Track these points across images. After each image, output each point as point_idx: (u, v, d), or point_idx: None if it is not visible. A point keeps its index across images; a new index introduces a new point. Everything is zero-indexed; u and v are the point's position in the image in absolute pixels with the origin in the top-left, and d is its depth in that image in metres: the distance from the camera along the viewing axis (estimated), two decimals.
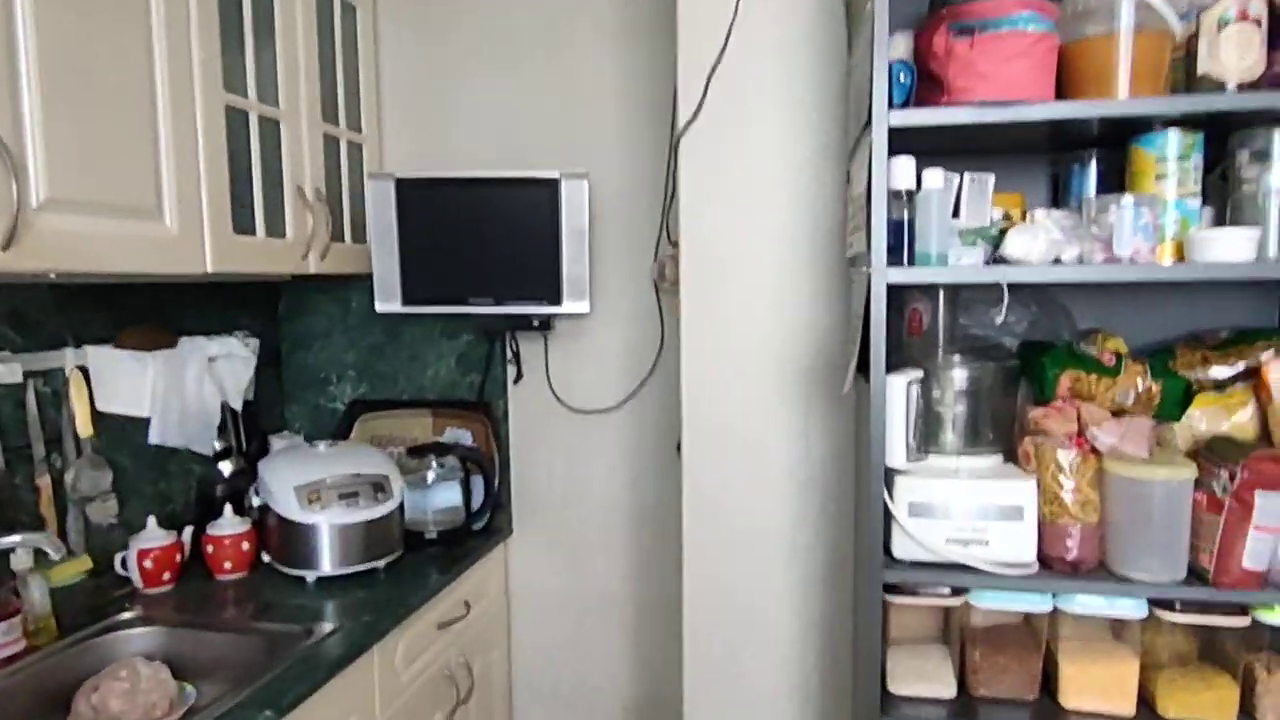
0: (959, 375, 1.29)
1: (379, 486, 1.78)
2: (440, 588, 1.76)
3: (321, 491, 1.72)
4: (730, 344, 1.63)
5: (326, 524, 1.70)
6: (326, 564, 1.71)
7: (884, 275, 1.18)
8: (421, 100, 2.08)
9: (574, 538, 2.11)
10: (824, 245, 1.58)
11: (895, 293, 1.20)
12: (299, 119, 1.78)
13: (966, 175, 1.32)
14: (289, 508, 1.70)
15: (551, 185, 1.86)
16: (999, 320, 1.32)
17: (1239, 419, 1.27)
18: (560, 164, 1.96)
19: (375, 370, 2.15)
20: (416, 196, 1.88)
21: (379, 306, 1.92)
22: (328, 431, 2.15)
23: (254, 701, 1.25)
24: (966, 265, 1.25)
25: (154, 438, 1.57)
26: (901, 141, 1.18)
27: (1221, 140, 1.26)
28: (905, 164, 1.20)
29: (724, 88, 1.58)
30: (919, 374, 1.24)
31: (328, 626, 1.49)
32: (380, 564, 1.78)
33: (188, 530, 1.76)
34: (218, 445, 1.92)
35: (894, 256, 1.19)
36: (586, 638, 2.13)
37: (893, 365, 1.22)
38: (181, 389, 1.63)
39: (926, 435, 1.28)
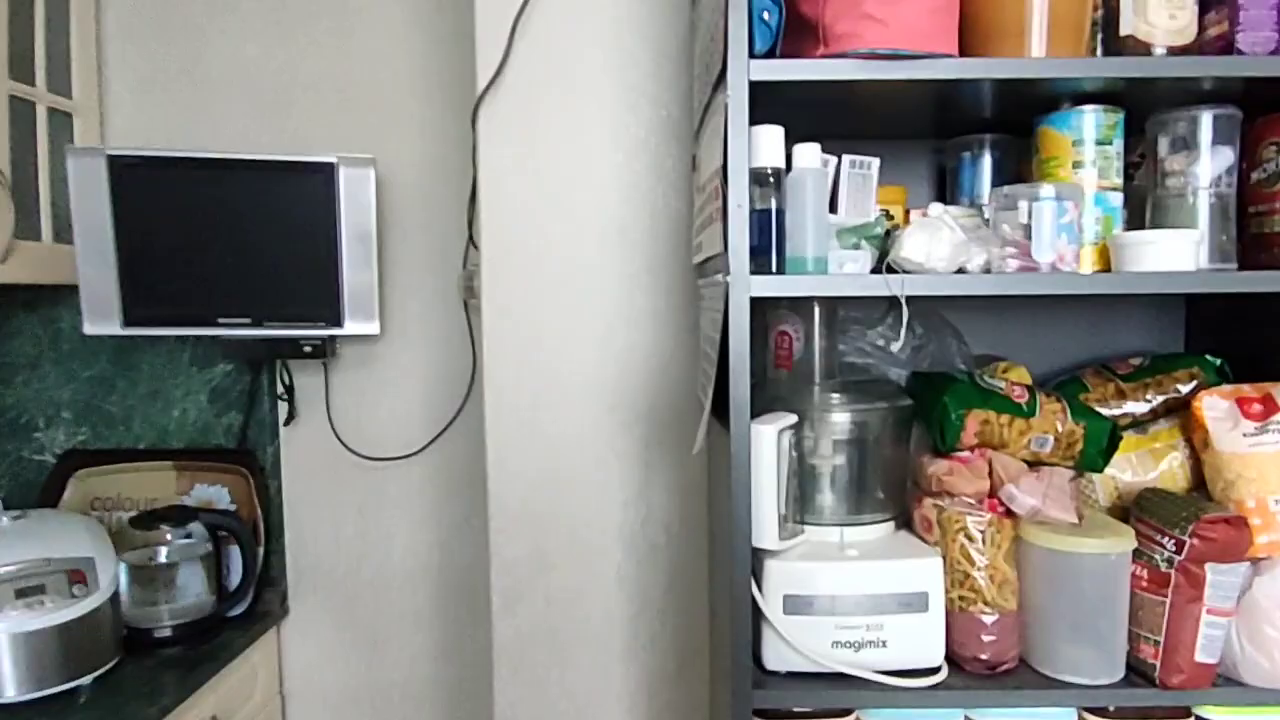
0: (840, 420, 0.99)
1: (76, 576, 1.29)
2: (172, 706, 1.30)
3: None
4: (546, 377, 1.28)
5: (1, 633, 1.21)
6: (6, 687, 1.22)
7: (746, 285, 0.86)
8: (160, 61, 1.61)
9: (369, 615, 1.68)
10: (665, 250, 1.26)
11: (758, 310, 0.88)
12: None
13: (846, 159, 1.02)
14: None
15: (326, 172, 1.44)
16: (895, 347, 1.03)
17: (1166, 466, 1.04)
18: (343, 148, 1.54)
19: (99, 411, 1.64)
20: (141, 182, 1.42)
21: (88, 327, 1.44)
22: (31, 494, 1.62)
23: None
24: (853, 274, 0.95)
25: None
26: (765, 110, 0.87)
27: (1137, 126, 1.03)
28: (772, 135, 0.89)
29: (535, 41, 1.23)
30: (791, 419, 0.93)
31: None
32: (85, 680, 1.30)
33: None
34: None
35: (758, 261, 0.88)
36: None
37: (758, 408, 0.91)
38: None
39: (802, 500, 0.97)
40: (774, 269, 0.89)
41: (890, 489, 1.02)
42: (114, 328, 1.45)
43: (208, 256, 1.46)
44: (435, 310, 1.63)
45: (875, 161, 1.05)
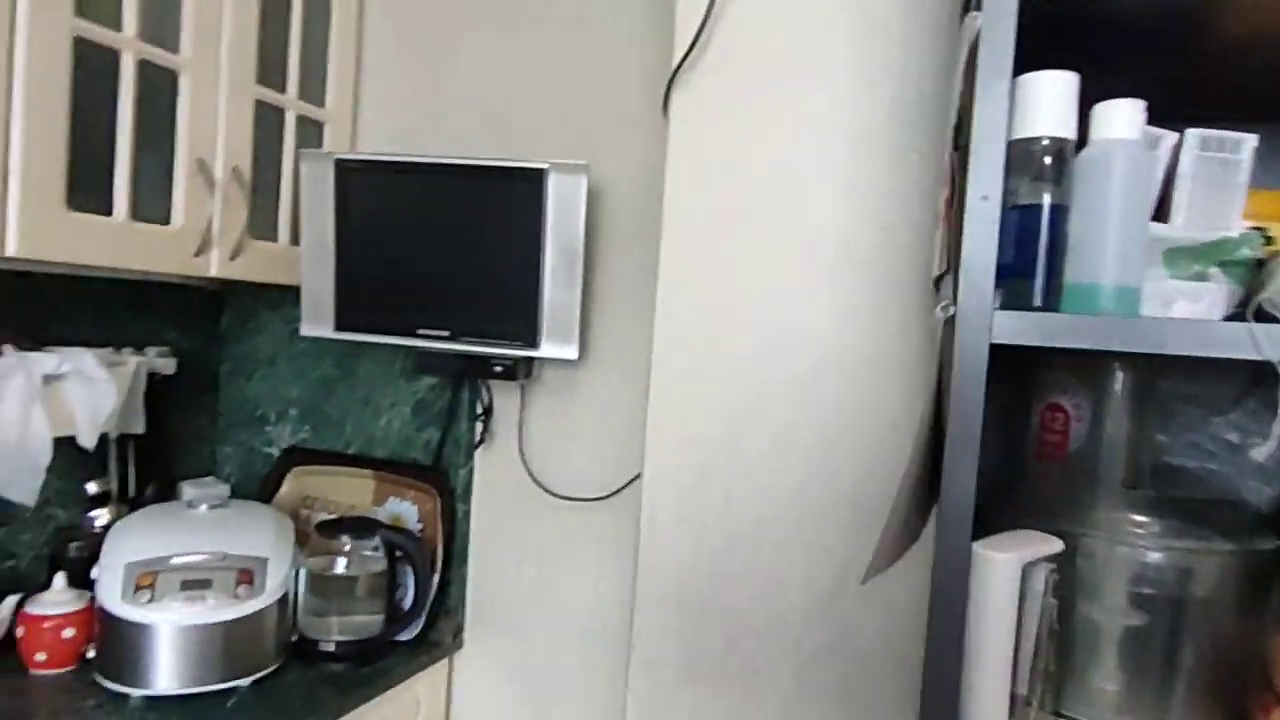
0: (1149, 559, 0.62)
1: (244, 576, 1.26)
2: None
3: (159, 576, 1.22)
4: (719, 438, 1.01)
5: (158, 623, 1.20)
6: (159, 679, 1.21)
7: (985, 322, 0.56)
8: (409, 70, 1.62)
9: (539, 669, 1.52)
10: (903, 275, 0.96)
11: (1008, 364, 0.57)
12: (213, 73, 1.33)
13: (1193, 135, 0.67)
14: (111, 594, 1.22)
15: (535, 179, 1.32)
16: (1260, 452, 0.65)
17: None
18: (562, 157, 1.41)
19: (321, 411, 1.66)
20: (362, 186, 1.40)
21: (305, 329, 1.44)
22: (256, 485, 1.68)
23: None
24: (1191, 319, 0.59)
25: None
26: (1051, 52, 0.56)
27: None
28: (1054, 85, 0.58)
29: (745, 4, 0.99)
30: (1053, 545, 0.59)
31: None
32: (243, 682, 1.26)
33: (10, 600, 1.31)
34: (92, 489, 1.49)
35: (1012, 287, 0.57)
36: None
37: (996, 521, 0.58)
38: None
39: (1061, 676, 0.62)
40: (1038, 301, 0.58)
41: (1222, 680, 0.63)
42: (327, 330, 1.44)
43: (414, 265, 1.40)
44: (643, 339, 1.45)
45: (1249, 143, 0.67)
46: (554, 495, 1.49)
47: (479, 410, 1.55)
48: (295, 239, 1.51)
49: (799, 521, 0.97)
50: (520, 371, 1.44)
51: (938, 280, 0.64)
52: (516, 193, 1.34)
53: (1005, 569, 0.55)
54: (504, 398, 1.54)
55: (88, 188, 1.17)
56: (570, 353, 1.35)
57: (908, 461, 0.63)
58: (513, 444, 1.52)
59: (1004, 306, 0.56)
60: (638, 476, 1.42)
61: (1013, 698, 0.56)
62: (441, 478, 1.54)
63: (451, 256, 1.38)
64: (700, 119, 1.02)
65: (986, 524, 0.61)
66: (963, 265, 0.55)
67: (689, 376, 1.04)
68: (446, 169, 1.37)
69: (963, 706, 0.56)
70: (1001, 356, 0.54)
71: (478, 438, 1.55)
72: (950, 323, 0.56)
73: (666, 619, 1.03)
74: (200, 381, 1.71)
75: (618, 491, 1.45)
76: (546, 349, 1.35)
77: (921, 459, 0.60)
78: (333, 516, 1.55)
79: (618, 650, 1.46)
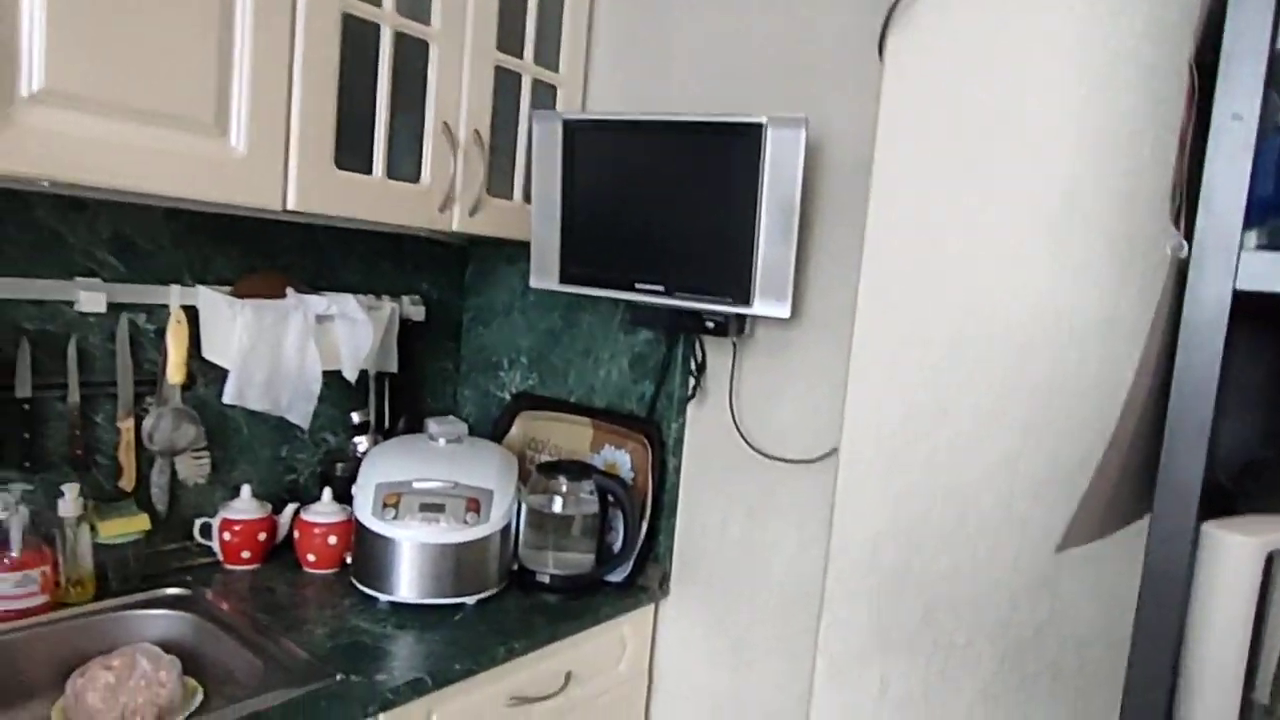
0: None
1: (473, 505, 1.39)
2: (533, 647, 1.33)
3: (402, 497, 1.38)
4: (922, 401, 0.95)
5: (400, 538, 1.36)
6: (400, 587, 1.37)
7: (1229, 265, 0.47)
8: (637, 32, 1.65)
9: (744, 624, 1.53)
10: (1149, 231, 0.83)
11: (1256, 319, 0.48)
12: (459, 42, 1.45)
13: None
14: (364, 509, 1.39)
15: (753, 134, 1.30)
16: None
17: None
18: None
19: (548, 361, 1.77)
20: (588, 144, 1.46)
21: (534, 281, 1.54)
22: (489, 425, 1.83)
23: None
24: None
25: (229, 396, 1.35)
26: None
27: None
28: None
29: None
30: None
31: (341, 676, 1.14)
32: (469, 600, 1.40)
33: (290, 508, 1.54)
34: (355, 419, 1.70)
35: (1270, 225, 0.47)
36: None
37: (1259, 504, 0.50)
38: (276, 347, 1.40)
39: None
40: None
41: None
42: (552, 283, 1.52)
43: (634, 221, 1.44)
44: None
45: None
46: (762, 454, 1.49)
47: (692, 366, 1.57)
48: (529, 197, 1.60)
49: (1010, 495, 0.89)
50: (732, 328, 1.44)
51: (1176, 218, 0.54)
52: (734, 147, 1.33)
53: (1244, 554, 0.47)
54: (717, 355, 1.55)
55: (352, 149, 1.32)
56: (782, 311, 1.33)
57: (1117, 422, 0.54)
58: (723, 401, 1.53)
59: (1266, 247, 0.46)
60: None
61: (1248, 703, 0.48)
62: (654, 430, 1.59)
63: (669, 212, 1.40)
64: (917, 58, 0.95)
65: (1232, 505, 0.52)
66: (1202, 196, 0.47)
67: (893, 336, 0.98)
68: (666, 126, 1.39)
69: (1179, 708, 0.48)
70: (1246, 305, 0.45)
71: (690, 393, 1.57)
72: (1184, 266, 0.48)
73: (860, 583, 1.00)
74: (446, 328, 1.89)
75: (826, 456, 1.41)
76: (759, 306, 1.34)
77: (1140, 424, 0.52)
78: (554, 459, 1.65)
79: (816, 614, 1.43)
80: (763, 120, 1.29)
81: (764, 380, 1.49)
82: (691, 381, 1.57)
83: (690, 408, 1.58)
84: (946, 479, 0.93)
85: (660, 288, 1.42)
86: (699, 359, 1.56)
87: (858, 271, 1.36)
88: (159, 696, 1.17)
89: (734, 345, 1.51)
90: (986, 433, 0.91)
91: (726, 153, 1.34)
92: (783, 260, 1.32)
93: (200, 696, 1.21)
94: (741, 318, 1.45)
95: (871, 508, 0.98)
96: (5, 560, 1.21)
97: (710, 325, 1.43)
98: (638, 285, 1.44)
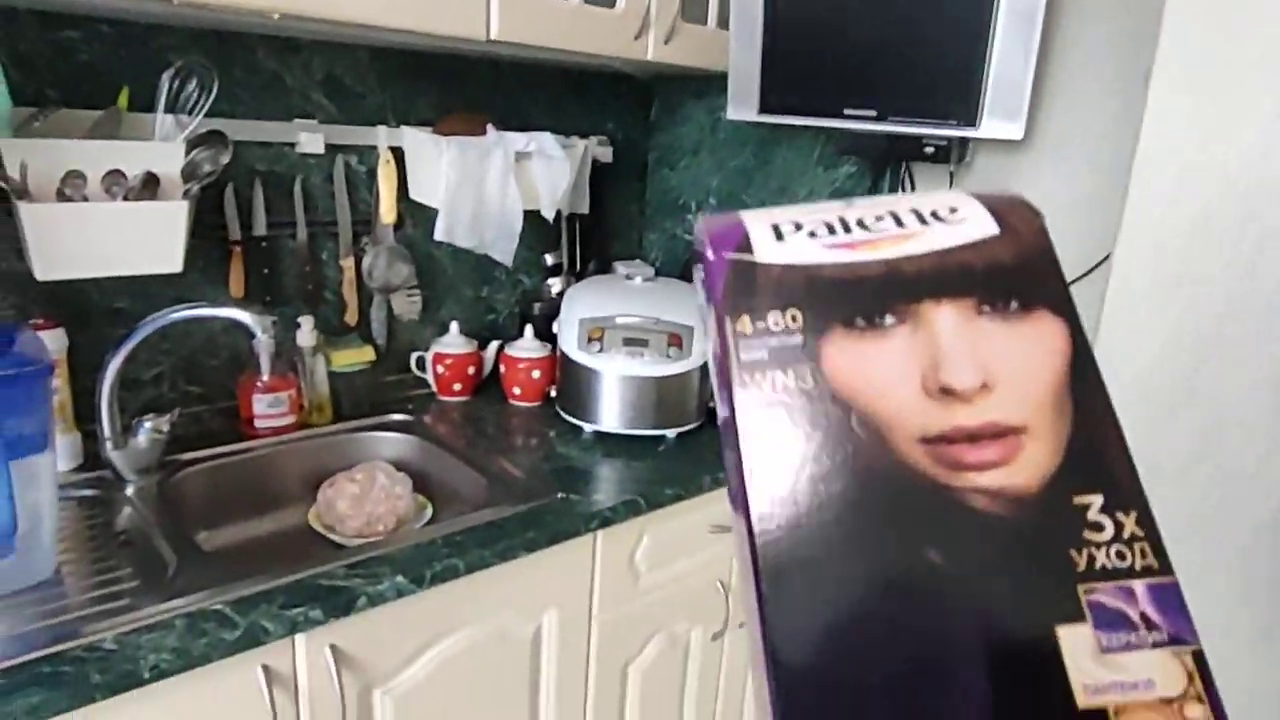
0: None
1: (674, 340, 1.39)
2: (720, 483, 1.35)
3: (606, 331, 1.40)
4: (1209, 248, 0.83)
5: (605, 371, 1.39)
6: (604, 417, 1.42)
7: None
8: None
9: None
10: None
11: None
12: None
13: None
14: (570, 343, 1.43)
15: None
16: None
17: None
18: None
19: (739, 200, 1.72)
20: None
21: (731, 112, 1.47)
22: (676, 269, 1.82)
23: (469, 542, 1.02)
24: None
25: (439, 233, 1.40)
26: None
27: None
28: None
29: None
30: None
31: (561, 494, 1.21)
32: (669, 433, 1.43)
33: (493, 345, 1.61)
34: (549, 260, 1.73)
35: None
36: None
37: None
38: (479, 184, 1.42)
39: None
40: None
41: None
42: (751, 114, 1.45)
43: (844, 39, 1.33)
44: (1098, 121, 1.24)
45: None
46: None
47: None
48: (723, 22, 1.51)
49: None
50: (953, 154, 1.33)
51: None
52: None
53: None
54: (928, 187, 1.44)
55: None
56: (1014, 132, 1.21)
57: None
58: None
59: None
60: (1070, 283, 1.26)
61: None
62: None
63: (885, 26, 1.28)
64: None
65: None
66: None
67: (1195, 127, 0.86)
68: None
69: None
70: None
71: None
72: None
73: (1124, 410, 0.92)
74: (632, 170, 1.86)
75: None
76: (987, 128, 1.22)
77: None
78: None
79: None
80: None
81: None
82: None
83: None
84: (1241, 287, 0.82)
85: (873, 112, 1.32)
86: (908, 191, 1.46)
87: (1103, 90, 1.20)
88: (397, 508, 1.28)
89: (950, 175, 1.40)
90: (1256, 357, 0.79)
91: None
92: (1019, 73, 1.18)
93: (430, 511, 1.32)
94: (964, 142, 1.33)
95: (1145, 325, 0.89)
96: (259, 384, 1.33)
97: (928, 151, 1.32)
98: (847, 111, 1.34)
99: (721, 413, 0.26)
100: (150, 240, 1.09)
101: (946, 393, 0.23)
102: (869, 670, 0.21)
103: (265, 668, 0.89)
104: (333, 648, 0.93)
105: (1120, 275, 0.89)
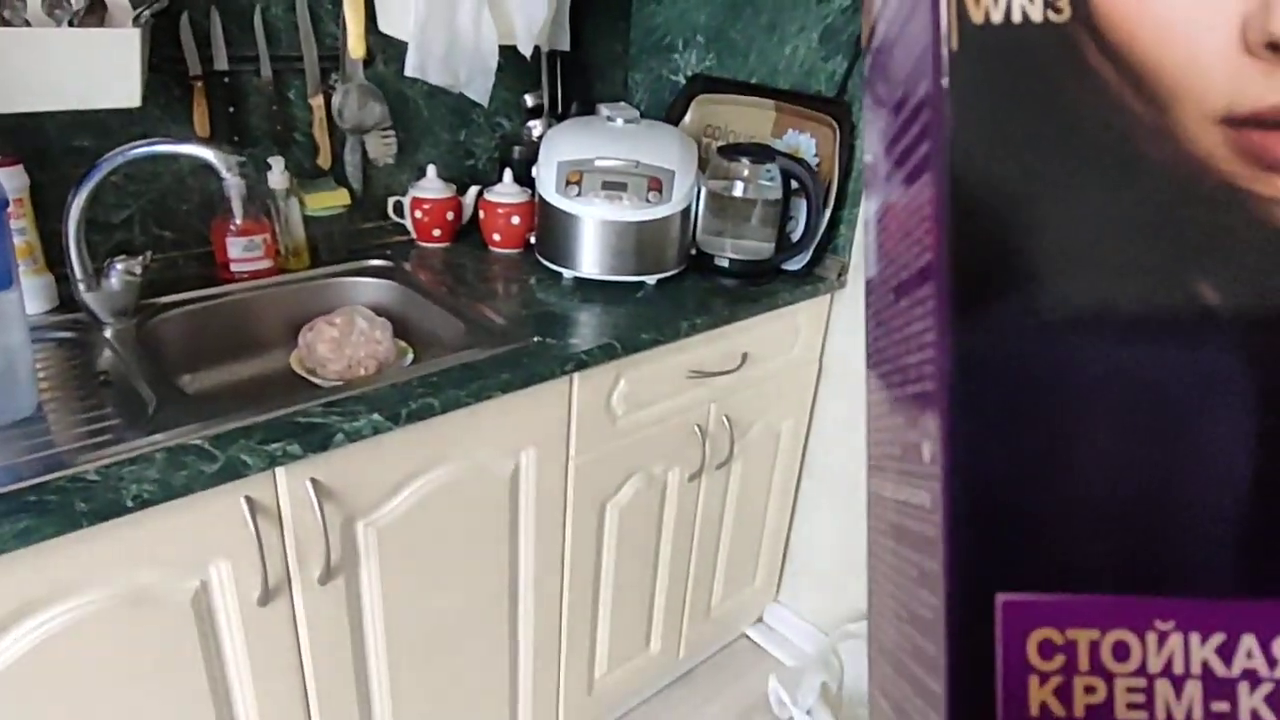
0: None
1: (654, 184, 1.36)
2: (710, 326, 1.36)
3: (585, 175, 1.36)
4: None
5: (584, 215, 1.37)
6: (583, 263, 1.41)
7: None
8: None
9: None
10: None
11: None
12: None
13: None
14: (548, 186, 1.40)
15: None
16: None
17: None
18: None
19: (726, 38, 1.63)
20: None
21: None
22: (662, 111, 1.75)
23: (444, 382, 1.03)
24: None
25: (410, 69, 1.33)
26: None
27: None
28: None
29: None
30: None
31: (538, 338, 1.21)
32: (649, 279, 1.42)
33: (472, 190, 1.58)
34: (529, 101, 1.66)
35: None
36: None
37: None
38: (451, 17, 1.34)
39: None
40: None
41: None
42: None
43: None
44: None
45: None
46: None
47: None
48: None
49: None
50: None
51: None
52: None
53: None
54: None
55: None
56: None
57: None
58: None
59: None
60: None
61: None
62: (844, 111, 1.47)
63: None
64: None
65: None
66: None
67: None
68: None
69: None
70: None
71: None
72: None
73: None
74: (616, 5, 1.75)
75: None
76: None
77: None
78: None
79: None
80: None
81: None
82: None
83: None
84: None
85: None
86: None
87: None
88: (378, 352, 1.29)
89: None
90: None
91: None
92: None
93: (410, 356, 1.33)
94: None
95: None
96: (232, 227, 1.31)
97: None
98: None
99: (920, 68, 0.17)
100: (103, 70, 1.04)
101: (1278, 50, 0.15)
102: (1087, 432, 0.16)
103: (249, 499, 0.92)
104: (313, 481, 0.96)
105: None
